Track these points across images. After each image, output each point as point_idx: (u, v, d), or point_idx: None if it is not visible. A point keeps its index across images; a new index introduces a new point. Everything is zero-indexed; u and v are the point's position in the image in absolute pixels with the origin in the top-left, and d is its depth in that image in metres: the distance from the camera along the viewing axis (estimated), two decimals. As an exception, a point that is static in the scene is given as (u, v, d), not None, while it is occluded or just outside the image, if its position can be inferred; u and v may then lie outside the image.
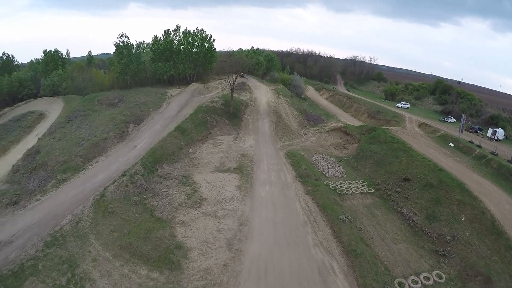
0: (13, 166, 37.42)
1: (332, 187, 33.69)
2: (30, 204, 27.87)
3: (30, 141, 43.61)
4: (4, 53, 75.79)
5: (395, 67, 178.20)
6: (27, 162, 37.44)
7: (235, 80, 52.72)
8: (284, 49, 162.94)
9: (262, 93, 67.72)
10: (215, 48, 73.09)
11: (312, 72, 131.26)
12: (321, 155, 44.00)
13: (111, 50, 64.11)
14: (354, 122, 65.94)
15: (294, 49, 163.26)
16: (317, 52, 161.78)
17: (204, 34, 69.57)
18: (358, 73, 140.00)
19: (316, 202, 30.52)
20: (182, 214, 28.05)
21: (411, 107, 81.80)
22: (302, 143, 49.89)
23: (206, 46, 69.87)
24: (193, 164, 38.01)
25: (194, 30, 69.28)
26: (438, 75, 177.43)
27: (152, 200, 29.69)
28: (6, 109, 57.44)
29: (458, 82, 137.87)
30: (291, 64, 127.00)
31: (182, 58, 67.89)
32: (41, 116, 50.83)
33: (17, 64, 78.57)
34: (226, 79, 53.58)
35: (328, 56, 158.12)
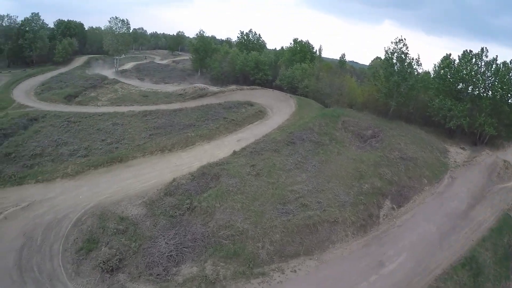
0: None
1: None
2: None
3: (210, 150, 28.33)
4: (250, 30, 74.11)
5: None
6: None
7: None
8: None
9: None
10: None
11: None
12: None
13: (361, 60, 42.41)
14: None
15: None
16: None
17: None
18: None
19: None
20: None
21: None
22: None
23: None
24: None
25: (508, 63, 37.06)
26: None
27: None
28: (231, 87, 48.28)
29: None
30: None
31: (486, 105, 37.44)
32: (258, 115, 36.16)
33: (262, 44, 75.22)
34: None
35: None
